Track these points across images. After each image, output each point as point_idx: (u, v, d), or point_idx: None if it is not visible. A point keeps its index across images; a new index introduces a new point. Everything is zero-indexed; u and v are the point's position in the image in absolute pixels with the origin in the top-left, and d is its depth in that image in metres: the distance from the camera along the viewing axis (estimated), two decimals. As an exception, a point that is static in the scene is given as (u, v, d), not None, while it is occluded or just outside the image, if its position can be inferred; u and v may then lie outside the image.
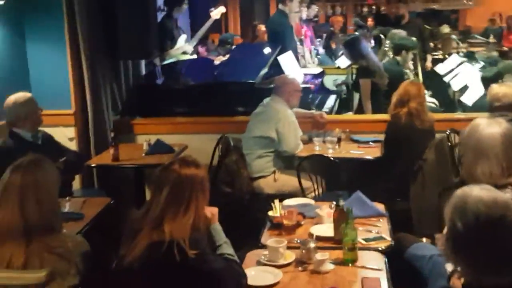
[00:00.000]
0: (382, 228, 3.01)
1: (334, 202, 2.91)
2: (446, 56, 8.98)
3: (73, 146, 4.67)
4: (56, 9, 4.62)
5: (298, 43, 7.06)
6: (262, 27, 9.41)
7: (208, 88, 5.44)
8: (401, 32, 6.64)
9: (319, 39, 8.00)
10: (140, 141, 4.99)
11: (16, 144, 3.72)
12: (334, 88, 6.86)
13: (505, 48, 10.07)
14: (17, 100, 3.82)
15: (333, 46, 9.22)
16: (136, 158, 4.40)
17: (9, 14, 4.42)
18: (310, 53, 7.37)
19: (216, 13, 6.86)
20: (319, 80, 6.36)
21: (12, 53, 4.56)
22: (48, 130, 4.12)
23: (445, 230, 1.88)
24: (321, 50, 7.91)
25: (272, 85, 4.94)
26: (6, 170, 2.36)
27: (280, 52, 6.07)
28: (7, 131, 3.83)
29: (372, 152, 4.47)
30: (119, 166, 4.32)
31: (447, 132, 4.49)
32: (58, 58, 4.71)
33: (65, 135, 4.71)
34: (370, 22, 10.84)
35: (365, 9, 12.86)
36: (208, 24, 6.75)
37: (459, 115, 5.79)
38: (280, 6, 6.93)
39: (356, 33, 6.45)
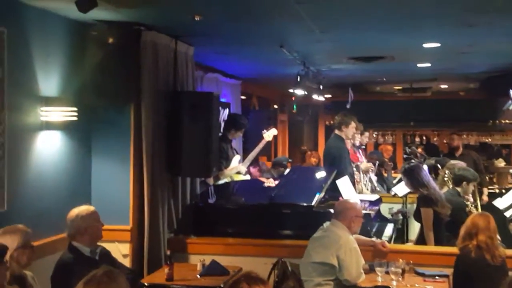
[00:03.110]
0: None
1: None
2: (503, 190, 8.77)
3: (126, 262, 4.55)
4: (124, 126, 4.76)
5: (354, 169, 7.02)
6: (312, 153, 9.53)
7: (264, 209, 5.38)
8: (460, 163, 6.53)
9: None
10: (193, 261, 4.90)
11: (74, 258, 3.65)
12: (390, 217, 6.67)
13: None
14: (79, 213, 3.79)
15: (385, 174, 9.15)
16: (190, 278, 4.33)
17: (79, 129, 4.55)
18: (365, 179, 7.32)
19: (269, 134, 6.95)
20: (376, 207, 6.21)
21: (77, 167, 4.63)
22: (104, 245, 4.04)
23: None
24: (373, 177, 7.84)
25: (330, 209, 4.82)
26: (79, 283, 2.29)
27: (336, 177, 6.02)
28: (67, 244, 3.76)
29: (439, 288, 4.22)
30: (173, 286, 4.23)
31: (519, 270, 4.24)
32: (121, 174, 4.77)
33: (120, 251, 4.62)
34: (420, 151, 10.79)
35: (417, 139, 12.87)
36: (261, 145, 6.81)
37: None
38: (336, 131, 7.00)
39: (413, 161, 6.38)
